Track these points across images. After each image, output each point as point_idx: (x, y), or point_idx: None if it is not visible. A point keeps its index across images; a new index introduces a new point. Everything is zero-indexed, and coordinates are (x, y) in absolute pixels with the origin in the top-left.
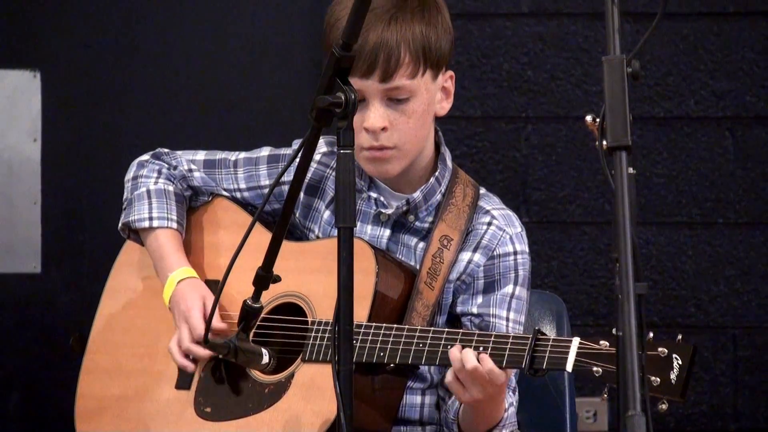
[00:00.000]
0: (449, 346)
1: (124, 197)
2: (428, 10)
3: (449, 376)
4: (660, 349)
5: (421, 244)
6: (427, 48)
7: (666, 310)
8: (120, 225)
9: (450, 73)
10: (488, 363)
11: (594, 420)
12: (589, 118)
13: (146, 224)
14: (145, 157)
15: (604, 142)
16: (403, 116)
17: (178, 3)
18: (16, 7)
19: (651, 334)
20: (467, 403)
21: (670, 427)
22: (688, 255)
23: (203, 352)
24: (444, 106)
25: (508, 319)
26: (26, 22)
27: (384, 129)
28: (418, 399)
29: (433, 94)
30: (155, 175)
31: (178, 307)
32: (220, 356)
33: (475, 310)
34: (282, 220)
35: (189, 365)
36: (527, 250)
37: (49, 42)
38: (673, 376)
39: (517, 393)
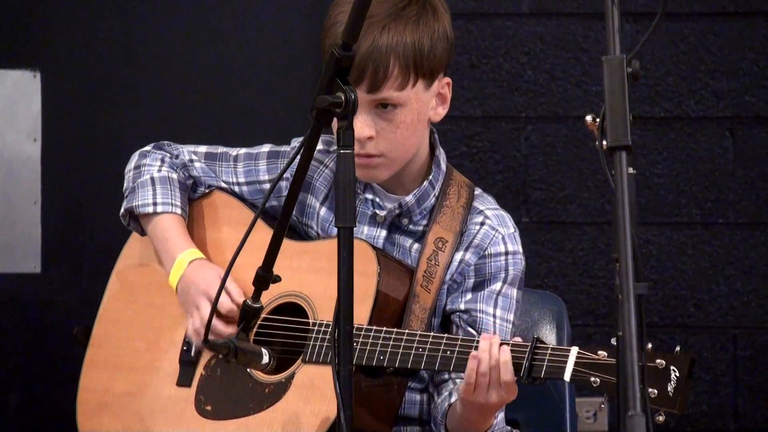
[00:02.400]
0: (448, 351)
1: (125, 186)
2: (425, 18)
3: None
4: (658, 360)
5: (416, 246)
6: (418, 59)
7: (666, 310)
8: (122, 211)
9: (447, 79)
10: (506, 354)
11: (594, 420)
12: (589, 118)
13: (150, 209)
14: (147, 147)
15: (604, 142)
16: (390, 125)
17: (178, 3)
18: (16, 7)
19: (649, 345)
20: (471, 404)
21: (670, 427)
22: (688, 255)
23: (228, 330)
24: (439, 112)
25: (494, 316)
26: (26, 22)
27: (370, 138)
28: (417, 397)
29: (426, 102)
30: (158, 163)
31: (196, 286)
32: (220, 356)
33: (462, 306)
34: (282, 220)
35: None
36: (520, 251)
37: (49, 42)
38: (670, 388)
39: None
